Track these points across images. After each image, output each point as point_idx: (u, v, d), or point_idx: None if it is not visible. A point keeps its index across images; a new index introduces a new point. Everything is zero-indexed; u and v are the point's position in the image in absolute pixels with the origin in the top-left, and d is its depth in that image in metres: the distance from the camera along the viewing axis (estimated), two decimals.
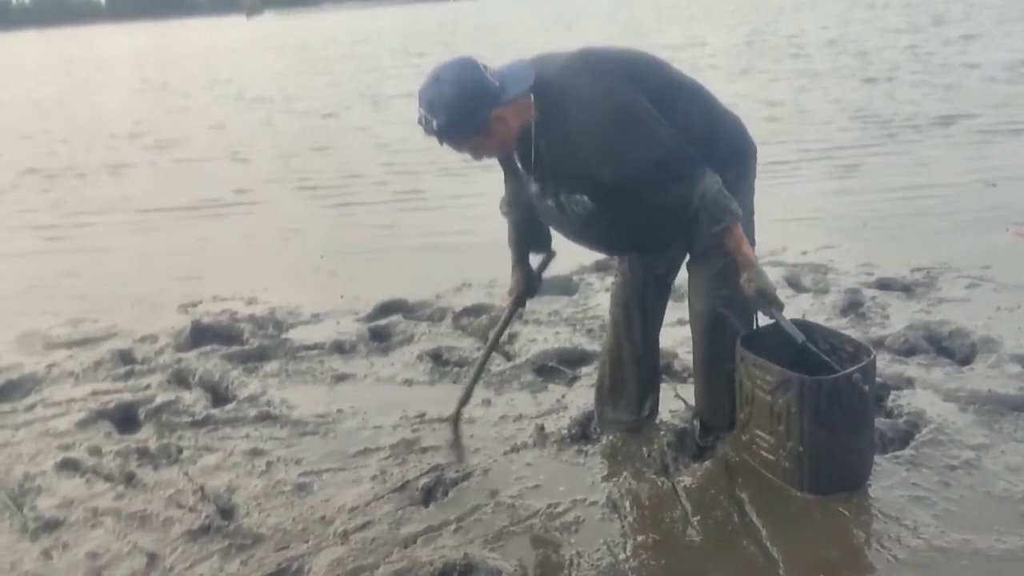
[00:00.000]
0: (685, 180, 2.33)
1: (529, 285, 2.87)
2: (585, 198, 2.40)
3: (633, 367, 2.83)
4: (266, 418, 3.14)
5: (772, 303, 2.42)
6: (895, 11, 21.67)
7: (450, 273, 4.56)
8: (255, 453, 2.90)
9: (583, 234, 2.54)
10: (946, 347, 3.38)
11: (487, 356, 3.07)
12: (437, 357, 3.58)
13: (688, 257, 2.62)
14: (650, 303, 2.78)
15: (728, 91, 8.41)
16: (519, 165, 2.49)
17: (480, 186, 6.34)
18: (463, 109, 2.25)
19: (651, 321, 2.81)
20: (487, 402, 3.14)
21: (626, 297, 2.78)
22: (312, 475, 2.74)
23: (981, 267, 4.12)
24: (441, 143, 2.34)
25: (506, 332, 3.20)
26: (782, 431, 2.40)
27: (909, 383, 3.06)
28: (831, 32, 17.51)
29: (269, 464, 2.83)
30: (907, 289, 3.96)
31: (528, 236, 2.78)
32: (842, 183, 6.06)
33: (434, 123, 2.26)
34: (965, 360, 3.26)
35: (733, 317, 2.56)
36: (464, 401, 3.02)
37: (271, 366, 3.59)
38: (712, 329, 2.60)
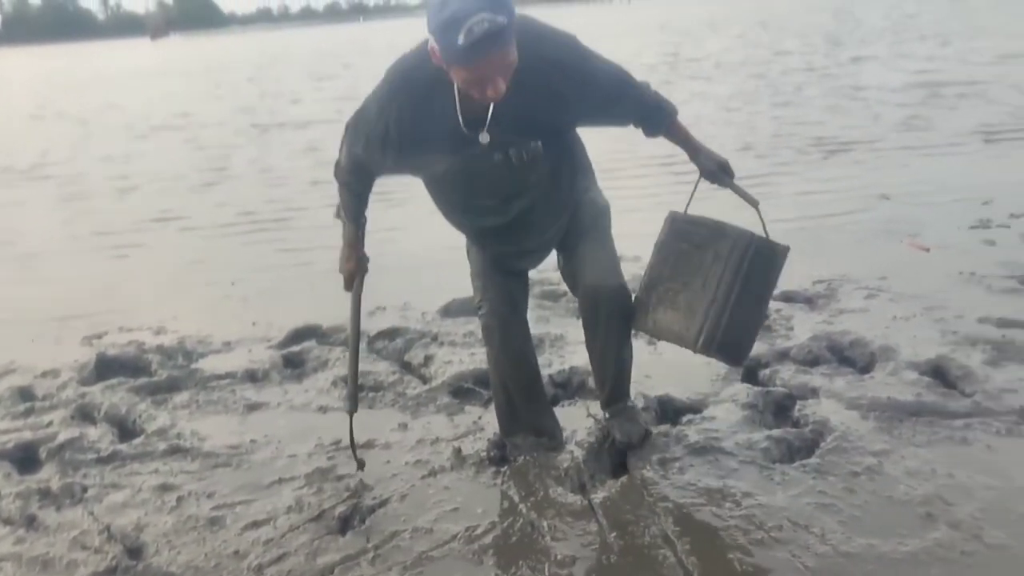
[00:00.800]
0: (641, 89, 2.54)
1: (365, 264, 2.89)
2: (539, 143, 2.45)
3: (538, 383, 2.88)
4: (176, 451, 3.04)
5: (729, 173, 2.65)
6: (792, 33, 22.57)
7: (365, 295, 4.50)
8: (165, 488, 2.81)
9: (522, 188, 2.53)
10: (848, 356, 3.51)
11: (356, 348, 2.94)
12: None
13: (564, 245, 2.74)
14: (523, 314, 2.83)
15: None
16: (460, 122, 2.34)
17: (387, 213, 6.31)
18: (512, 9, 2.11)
19: (528, 331, 2.86)
20: (403, 426, 3.12)
21: (506, 315, 2.76)
22: (225, 508, 2.67)
23: (878, 278, 4.30)
24: (504, 49, 2.10)
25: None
26: (709, 296, 2.49)
27: (814, 392, 3.16)
28: (735, 55, 18.12)
29: (180, 499, 2.74)
30: (810, 301, 4.11)
31: (364, 209, 2.79)
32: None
33: (504, 20, 2.03)
34: (865, 368, 3.39)
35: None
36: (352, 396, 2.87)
37: (181, 397, 3.49)
38: (626, 301, 2.73)
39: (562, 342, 3.78)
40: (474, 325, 4.02)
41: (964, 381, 3.16)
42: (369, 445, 2.99)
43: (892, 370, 3.29)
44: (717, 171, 2.64)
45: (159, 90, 21.84)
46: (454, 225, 2.73)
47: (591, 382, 3.34)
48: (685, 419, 3.04)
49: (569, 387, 3.41)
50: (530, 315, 4.10)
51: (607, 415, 2.88)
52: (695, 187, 2.72)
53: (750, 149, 7.78)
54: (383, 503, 2.63)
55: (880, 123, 8.48)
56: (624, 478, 2.68)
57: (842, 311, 3.95)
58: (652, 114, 2.60)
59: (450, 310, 4.24)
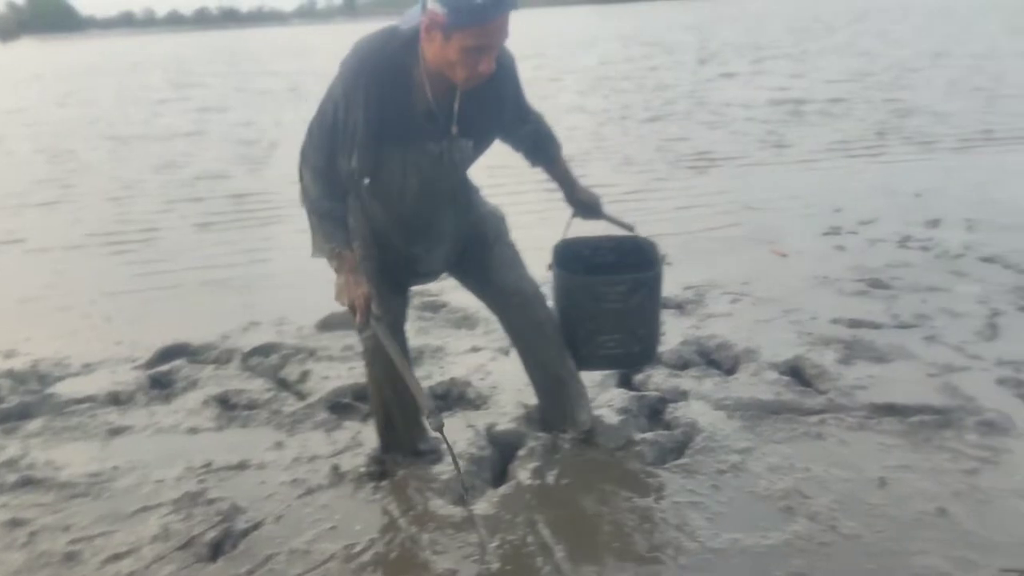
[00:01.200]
0: (538, 117, 2.71)
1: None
2: (471, 144, 2.48)
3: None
4: (28, 483, 2.85)
5: (599, 208, 2.85)
6: (662, 49, 23.38)
7: (237, 311, 4.38)
8: (15, 524, 2.62)
9: (451, 190, 2.56)
10: (714, 359, 3.65)
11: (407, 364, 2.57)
12: (224, 402, 3.41)
13: (472, 258, 2.74)
14: (404, 334, 2.79)
15: None
16: (432, 106, 2.34)
17: (261, 229, 6.15)
18: None
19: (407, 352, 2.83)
20: (278, 445, 3.03)
21: (395, 322, 2.69)
22: (83, 541, 2.52)
23: (742, 283, 4.50)
24: (508, 15, 2.18)
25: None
26: (636, 323, 2.78)
27: (683, 395, 3.27)
28: (612, 69, 18.60)
29: (32, 534, 2.57)
30: (680, 307, 4.25)
31: (346, 229, 2.54)
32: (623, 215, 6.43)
33: None
34: (731, 370, 3.54)
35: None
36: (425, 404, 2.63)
37: (34, 425, 3.28)
38: (544, 305, 2.79)
39: (442, 353, 3.78)
40: (353, 339, 3.96)
41: (819, 379, 3.34)
42: (242, 466, 2.89)
43: (755, 371, 3.45)
44: (591, 207, 2.83)
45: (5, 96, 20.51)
46: (375, 230, 2.58)
47: (470, 393, 3.37)
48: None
49: (449, 398, 3.41)
50: (410, 326, 4.10)
51: (576, 428, 2.89)
52: (568, 224, 2.90)
53: (631, 164, 7.99)
54: (256, 526, 2.55)
55: (743, 138, 8.88)
56: (504, 487, 2.70)
57: (709, 316, 4.11)
58: (545, 144, 2.74)
59: (328, 324, 4.17)
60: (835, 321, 3.90)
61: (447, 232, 2.64)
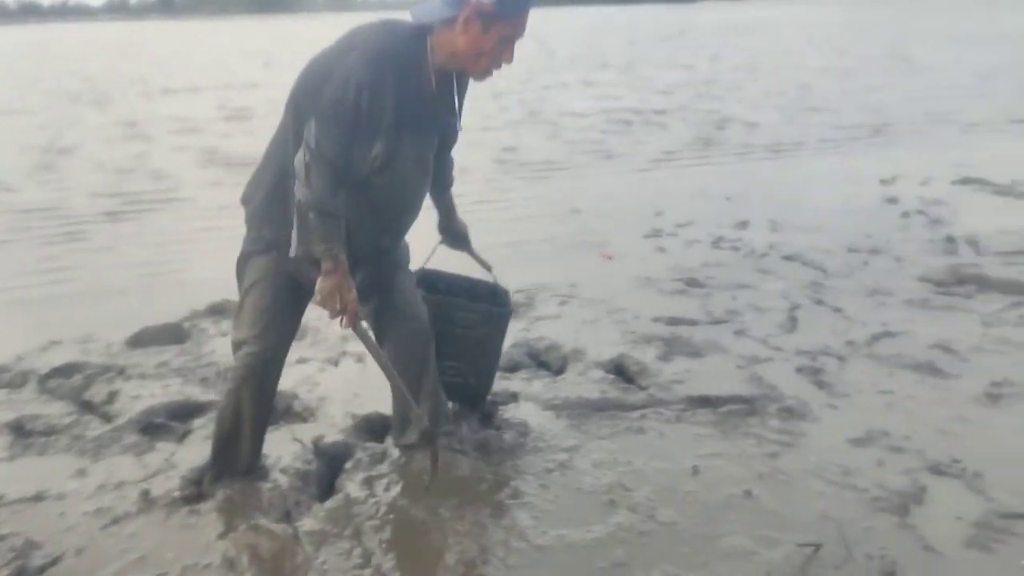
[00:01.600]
0: None
1: None
2: (436, 139, 2.57)
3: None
4: None
5: (468, 240, 2.94)
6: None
7: (33, 331, 4.03)
8: None
9: (424, 184, 2.59)
10: (544, 361, 3.73)
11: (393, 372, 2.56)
12: (19, 428, 3.12)
13: (383, 277, 2.69)
14: None
15: None
16: (433, 93, 2.43)
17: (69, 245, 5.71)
18: None
19: None
20: (81, 472, 2.80)
21: (274, 360, 2.60)
22: None
23: (570, 286, 4.62)
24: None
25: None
26: (478, 354, 2.95)
27: (514, 397, 3.31)
28: None
29: None
30: (510, 312, 4.30)
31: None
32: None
33: None
34: (559, 371, 3.62)
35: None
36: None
37: None
38: (431, 337, 2.76)
39: None
40: (169, 355, 3.76)
41: (641, 376, 3.48)
42: (38, 498, 2.66)
43: (581, 370, 3.55)
44: (460, 238, 2.92)
45: None
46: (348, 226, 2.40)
47: (297, 406, 3.27)
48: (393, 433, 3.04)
49: (274, 412, 3.27)
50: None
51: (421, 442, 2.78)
52: (433, 250, 2.96)
53: (466, 172, 8.01)
54: (55, 561, 2.35)
55: (573, 147, 9.14)
56: (331, 501, 2.63)
57: (539, 318, 4.19)
58: (450, 169, 2.83)
59: (140, 340, 3.92)
60: (656, 319, 4.07)
61: (409, 226, 2.67)
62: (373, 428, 3.08)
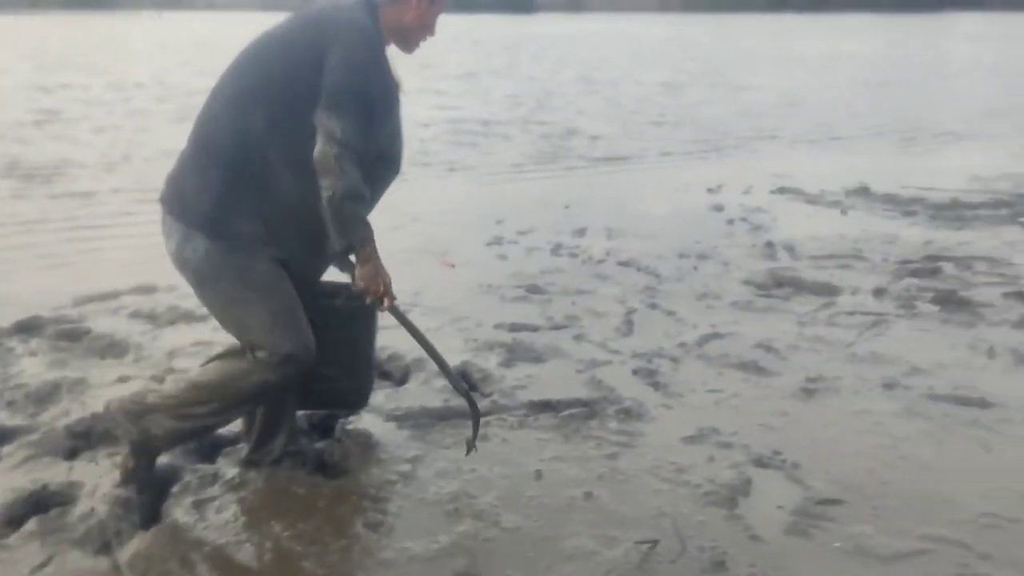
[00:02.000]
0: None
1: None
2: None
3: None
4: None
5: None
6: None
7: None
8: None
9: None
10: (387, 371, 3.66)
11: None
12: None
13: None
14: None
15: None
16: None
17: None
18: None
19: None
20: None
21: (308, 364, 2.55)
22: None
23: (414, 294, 4.57)
24: None
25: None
26: (349, 358, 2.80)
27: None
28: None
29: None
30: None
31: None
32: None
33: None
34: (402, 381, 3.57)
35: None
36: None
37: None
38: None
39: (83, 386, 3.37)
40: None
41: (484, 382, 3.49)
42: None
43: (424, 380, 3.52)
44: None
45: None
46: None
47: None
48: (225, 452, 2.90)
49: (91, 437, 3.03)
50: (45, 359, 3.63)
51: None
52: None
53: None
54: None
55: (415, 156, 9.09)
56: (156, 528, 2.47)
57: (381, 328, 4.08)
58: None
59: None
60: (498, 326, 4.11)
61: None
62: (202, 449, 2.91)
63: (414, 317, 4.20)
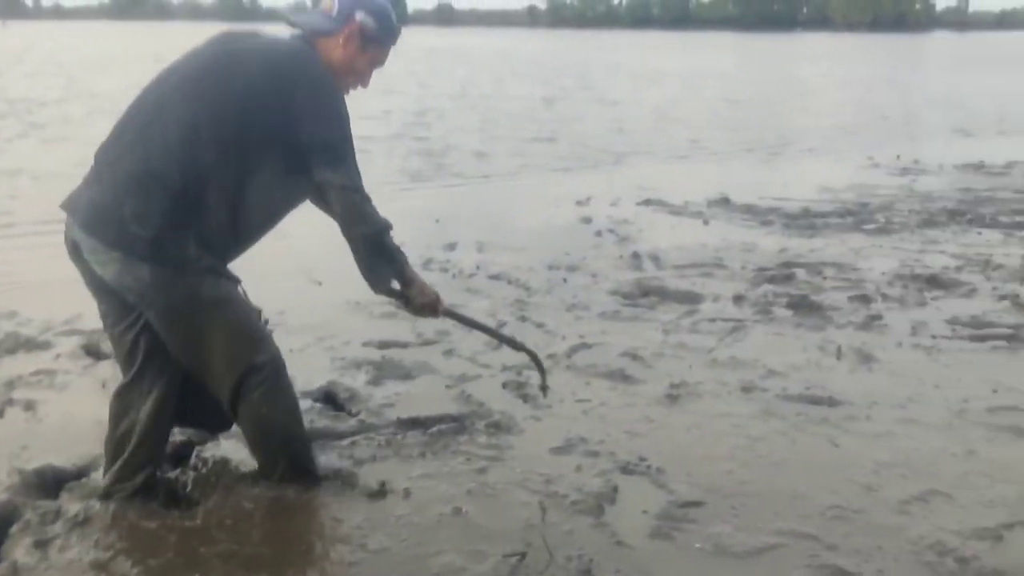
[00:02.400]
0: None
1: None
2: None
3: None
4: None
5: None
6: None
7: None
8: None
9: None
10: None
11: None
12: None
13: None
14: None
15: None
16: None
17: None
18: None
19: None
20: None
21: None
22: None
23: (278, 313, 4.43)
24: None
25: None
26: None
27: (212, 436, 3.11)
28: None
29: None
30: None
31: None
32: None
33: None
34: None
35: None
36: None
37: None
38: None
39: None
40: None
41: (351, 402, 3.42)
42: None
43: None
44: None
45: None
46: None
47: None
48: (68, 487, 2.71)
49: None
50: None
51: None
52: None
53: None
54: None
55: None
56: None
57: None
58: None
59: None
60: (366, 344, 4.04)
61: None
62: (45, 484, 2.72)
63: (278, 337, 4.08)
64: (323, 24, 2.51)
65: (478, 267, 5.39)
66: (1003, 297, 4.85)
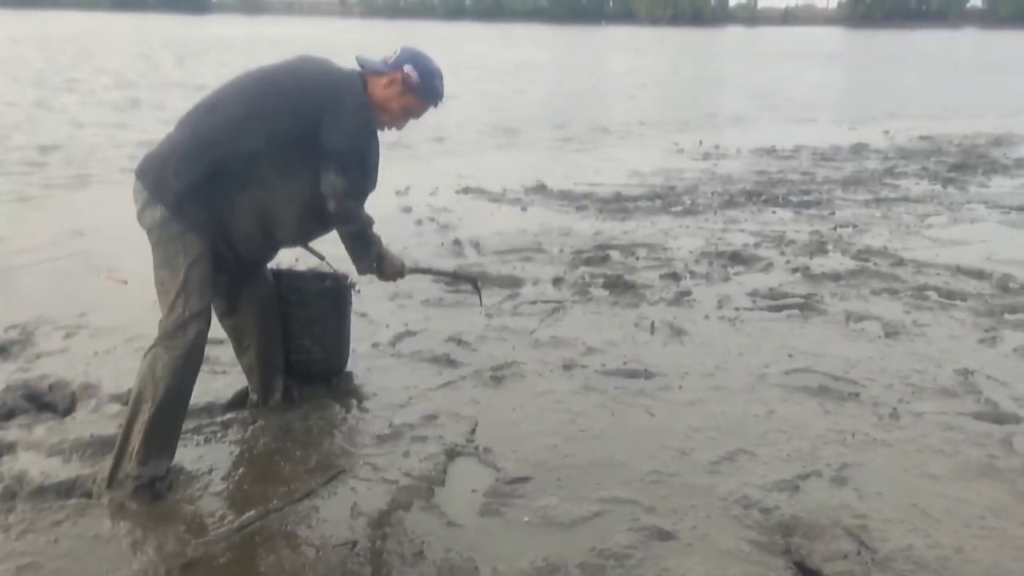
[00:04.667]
0: None
1: None
2: None
3: None
4: None
5: None
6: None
7: None
8: None
9: None
10: (48, 402, 3.29)
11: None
12: None
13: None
14: None
15: None
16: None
17: None
18: None
19: None
20: None
21: None
22: None
23: (78, 315, 4.14)
24: None
25: None
26: (318, 330, 3.30)
27: (10, 448, 2.89)
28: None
29: None
30: (3, 350, 3.72)
31: None
32: None
33: None
34: (68, 411, 3.23)
35: None
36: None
37: None
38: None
39: None
40: None
41: None
42: None
43: (95, 407, 3.22)
44: None
45: None
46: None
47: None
48: None
49: None
50: None
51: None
52: None
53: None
54: None
55: (72, 168, 8.25)
56: None
57: (40, 355, 3.69)
58: None
59: None
60: None
61: None
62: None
63: (80, 341, 3.87)
64: (378, 66, 2.95)
65: (297, 260, 5.23)
66: (795, 270, 5.29)
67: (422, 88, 2.98)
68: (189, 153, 2.74)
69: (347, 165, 2.79)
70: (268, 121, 2.77)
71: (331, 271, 3.38)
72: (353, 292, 3.53)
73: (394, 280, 3.26)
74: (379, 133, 2.96)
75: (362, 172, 2.86)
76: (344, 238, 2.99)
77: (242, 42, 33.13)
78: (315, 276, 3.39)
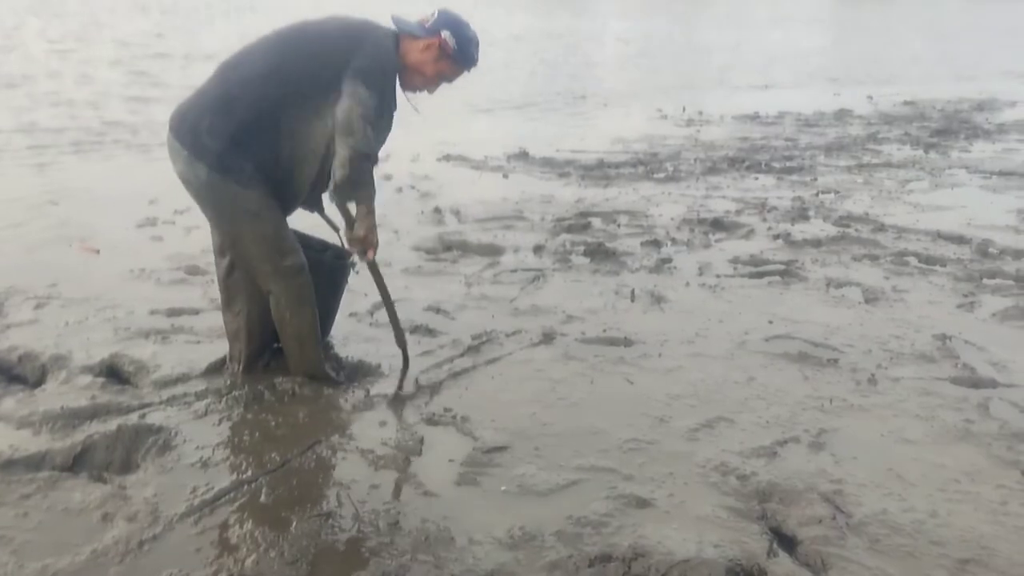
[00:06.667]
0: None
1: None
2: None
3: None
4: None
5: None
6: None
7: None
8: None
9: None
10: (18, 374, 3.24)
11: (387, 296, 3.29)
12: None
13: None
14: None
15: None
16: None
17: None
18: None
19: None
20: None
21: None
22: None
23: (49, 286, 4.07)
24: None
25: None
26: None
27: None
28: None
29: None
30: None
31: None
32: None
33: None
34: (38, 383, 3.18)
35: None
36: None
37: None
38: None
39: None
40: None
41: (137, 375, 3.20)
42: None
43: (65, 378, 3.16)
44: (316, 202, 3.23)
45: None
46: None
47: None
48: None
49: None
50: None
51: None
52: None
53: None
54: None
55: (45, 135, 8.08)
56: None
57: (9, 326, 3.62)
58: None
59: None
60: (154, 312, 3.79)
61: None
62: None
63: (50, 312, 3.80)
64: (415, 29, 2.97)
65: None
66: (777, 236, 5.28)
67: (459, 54, 3.00)
68: (219, 108, 2.85)
69: (371, 81, 2.79)
70: (292, 76, 2.84)
71: (338, 246, 3.31)
72: (352, 271, 3.49)
73: (356, 249, 3.05)
74: (410, 95, 3.06)
75: (381, 102, 2.83)
76: (339, 156, 2.77)
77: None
78: (319, 245, 3.33)
